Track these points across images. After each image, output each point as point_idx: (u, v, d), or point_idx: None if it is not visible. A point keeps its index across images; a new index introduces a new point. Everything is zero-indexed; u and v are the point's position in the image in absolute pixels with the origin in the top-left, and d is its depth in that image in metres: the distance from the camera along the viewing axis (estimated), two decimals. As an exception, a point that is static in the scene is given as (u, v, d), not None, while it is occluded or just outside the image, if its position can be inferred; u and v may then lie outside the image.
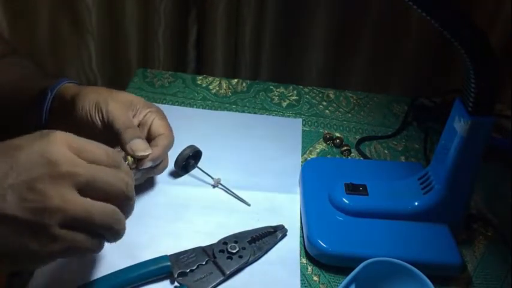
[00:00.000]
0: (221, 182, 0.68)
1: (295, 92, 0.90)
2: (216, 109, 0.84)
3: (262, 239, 0.60)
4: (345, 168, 0.70)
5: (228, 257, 0.57)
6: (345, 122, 0.84)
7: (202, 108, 0.84)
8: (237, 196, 0.67)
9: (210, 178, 0.69)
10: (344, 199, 0.63)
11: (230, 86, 0.90)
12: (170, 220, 0.63)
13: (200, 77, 0.91)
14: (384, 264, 0.51)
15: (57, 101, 0.61)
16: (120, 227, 0.44)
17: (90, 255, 0.56)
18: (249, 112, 0.84)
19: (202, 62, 1.17)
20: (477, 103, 0.54)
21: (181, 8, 1.11)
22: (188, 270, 0.55)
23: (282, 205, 0.66)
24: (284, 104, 0.87)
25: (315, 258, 0.59)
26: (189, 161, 0.69)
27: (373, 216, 0.61)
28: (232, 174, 0.70)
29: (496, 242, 0.64)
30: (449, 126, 0.58)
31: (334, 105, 0.88)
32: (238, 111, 0.84)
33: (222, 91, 0.89)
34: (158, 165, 0.63)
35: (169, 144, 0.63)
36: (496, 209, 0.68)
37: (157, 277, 0.55)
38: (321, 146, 0.78)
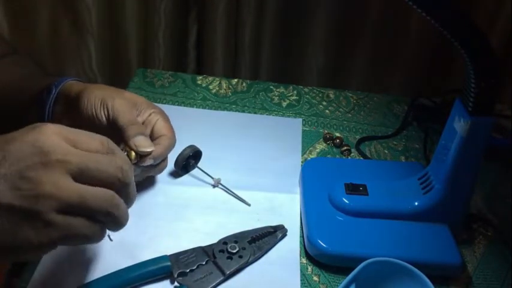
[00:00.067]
0: (221, 182, 0.68)
1: (295, 92, 0.90)
2: (216, 109, 0.84)
3: (262, 239, 0.60)
4: (345, 168, 0.70)
5: (228, 257, 0.57)
6: (345, 122, 0.84)
7: (202, 108, 0.84)
8: (237, 196, 0.67)
9: (210, 178, 0.69)
10: (344, 199, 0.63)
11: (230, 86, 0.90)
12: (170, 220, 0.63)
13: (200, 77, 0.91)
14: (383, 264, 0.51)
15: (61, 97, 0.61)
16: (119, 213, 0.43)
17: (92, 245, 0.56)
18: (249, 112, 0.84)
19: (202, 62, 1.17)
20: (477, 103, 0.54)
21: (181, 8, 1.11)
22: (188, 270, 0.55)
23: (282, 205, 0.66)
24: (284, 104, 0.87)
25: (315, 258, 0.59)
26: (189, 161, 0.69)
27: (373, 216, 0.61)
28: (232, 174, 0.70)
29: (496, 242, 0.64)
30: (449, 126, 0.58)
31: (334, 105, 0.88)
32: (238, 111, 0.84)
33: (222, 91, 0.89)
34: (158, 165, 0.63)
35: (171, 146, 0.63)
36: (496, 209, 0.68)
37: (157, 277, 0.55)
38: (321, 146, 0.78)
